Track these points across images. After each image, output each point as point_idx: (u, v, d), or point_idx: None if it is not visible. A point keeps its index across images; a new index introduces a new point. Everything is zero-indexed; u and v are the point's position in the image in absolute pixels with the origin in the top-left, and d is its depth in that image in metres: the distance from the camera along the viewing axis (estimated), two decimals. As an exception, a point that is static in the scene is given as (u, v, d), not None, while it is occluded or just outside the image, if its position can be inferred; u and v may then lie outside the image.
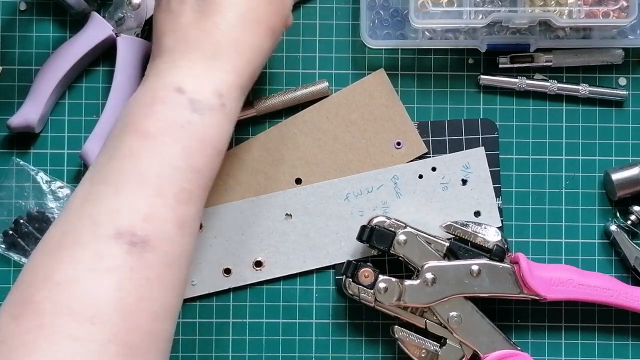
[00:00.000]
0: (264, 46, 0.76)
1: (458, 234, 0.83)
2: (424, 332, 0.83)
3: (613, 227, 0.87)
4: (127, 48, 0.85)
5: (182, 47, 0.74)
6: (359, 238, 0.84)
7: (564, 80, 0.88)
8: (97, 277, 0.66)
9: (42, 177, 0.87)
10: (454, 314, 0.82)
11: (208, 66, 0.73)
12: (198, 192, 0.72)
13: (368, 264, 0.84)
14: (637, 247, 0.86)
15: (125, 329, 0.66)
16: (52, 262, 0.67)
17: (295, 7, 0.87)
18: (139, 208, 0.69)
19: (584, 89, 0.87)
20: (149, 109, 0.72)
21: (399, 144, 0.87)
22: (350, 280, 0.83)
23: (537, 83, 0.87)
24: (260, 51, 0.76)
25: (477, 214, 0.87)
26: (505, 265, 0.83)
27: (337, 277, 0.87)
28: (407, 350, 0.83)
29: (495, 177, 0.87)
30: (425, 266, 0.82)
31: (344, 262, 0.85)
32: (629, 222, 0.87)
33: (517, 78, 0.87)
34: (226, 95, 0.73)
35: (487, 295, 0.83)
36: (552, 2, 0.84)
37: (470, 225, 0.83)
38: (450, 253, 0.83)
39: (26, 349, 0.64)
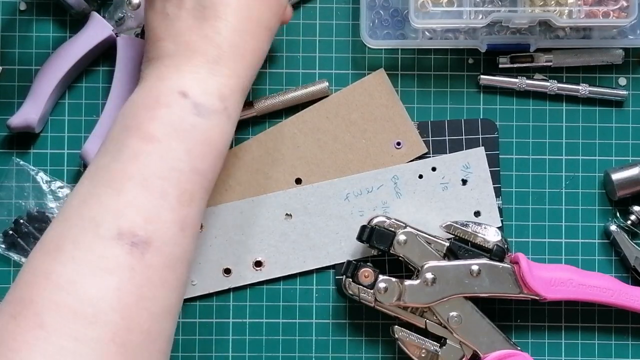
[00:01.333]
0: (264, 48, 0.77)
1: (458, 234, 0.83)
2: (424, 332, 0.83)
3: (613, 227, 0.87)
4: (127, 48, 0.85)
5: (184, 52, 0.74)
6: (359, 238, 0.84)
7: (564, 80, 0.88)
8: (98, 277, 0.67)
9: (42, 177, 0.86)
10: (454, 314, 0.82)
11: (211, 71, 0.74)
12: (200, 193, 0.72)
13: (368, 264, 0.84)
14: (637, 247, 0.86)
15: (125, 329, 0.66)
16: (52, 262, 0.67)
17: (295, 7, 0.87)
18: (141, 209, 0.69)
19: (584, 89, 0.87)
20: (153, 113, 0.72)
21: (399, 144, 0.87)
22: (350, 280, 0.83)
23: (537, 83, 0.87)
24: (260, 53, 0.77)
25: (477, 214, 0.87)
26: (505, 265, 0.83)
27: (337, 277, 0.87)
28: (407, 350, 0.83)
29: (495, 177, 0.87)
30: (425, 266, 0.82)
31: (344, 262, 0.85)
32: (629, 222, 0.87)
33: (517, 78, 0.87)
34: (228, 99, 0.74)
35: (487, 295, 0.83)
36: (552, 2, 0.84)
37: (470, 225, 0.83)
38: (450, 253, 0.83)
39: (27, 348, 0.64)
